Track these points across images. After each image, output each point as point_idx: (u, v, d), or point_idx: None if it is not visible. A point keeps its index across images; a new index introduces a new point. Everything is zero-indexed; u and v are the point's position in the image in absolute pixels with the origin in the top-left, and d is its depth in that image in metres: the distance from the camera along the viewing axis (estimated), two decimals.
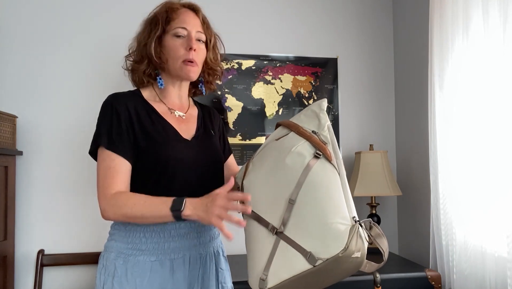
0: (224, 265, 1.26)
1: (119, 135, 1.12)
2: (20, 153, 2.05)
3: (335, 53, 2.46)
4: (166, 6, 1.22)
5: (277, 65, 2.39)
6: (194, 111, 1.32)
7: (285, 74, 2.39)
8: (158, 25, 1.19)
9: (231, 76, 2.33)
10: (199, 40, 1.21)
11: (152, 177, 1.12)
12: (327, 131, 1.07)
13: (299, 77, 2.41)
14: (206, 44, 1.24)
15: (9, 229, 1.97)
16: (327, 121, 1.09)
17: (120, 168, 1.10)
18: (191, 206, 1.01)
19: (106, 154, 1.11)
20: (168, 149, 1.14)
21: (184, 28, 1.18)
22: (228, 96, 2.32)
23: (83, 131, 2.13)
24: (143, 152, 1.12)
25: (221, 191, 0.99)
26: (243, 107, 2.33)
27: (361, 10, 2.51)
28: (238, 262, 1.88)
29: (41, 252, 2.05)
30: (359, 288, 1.72)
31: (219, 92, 2.31)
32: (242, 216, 1.08)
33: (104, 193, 1.08)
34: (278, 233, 0.99)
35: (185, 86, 1.28)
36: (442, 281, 1.78)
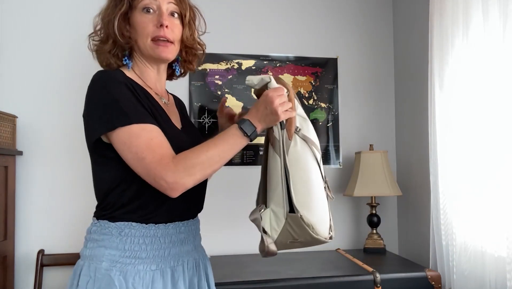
0: (209, 269, 1.20)
1: (142, 108, 0.99)
2: (20, 153, 2.05)
3: (335, 53, 2.46)
4: None
5: (277, 65, 2.39)
6: (172, 99, 1.24)
7: (285, 74, 2.39)
8: (123, 0, 1.06)
9: (231, 76, 2.33)
10: (172, 15, 1.08)
11: None
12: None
13: (299, 77, 2.40)
14: (182, 19, 1.11)
15: (9, 229, 1.97)
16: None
17: (161, 136, 0.98)
18: (258, 123, 1.01)
19: (136, 130, 0.95)
20: (172, 139, 1.03)
21: None
22: (228, 96, 2.32)
23: (83, 131, 2.13)
24: None
25: (269, 94, 1.00)
26: (243, 107, 2.33)
27: (361, 10, 2.50)
28: (233, 262, 1.87)
29: (41, 252, 2.05)
30: (359, 288, 1.72)
31: (219, 92, 2.31)
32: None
33: (165, 166, 0.92)
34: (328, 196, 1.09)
35: (164, 68, 1.15)
36: (442, 281, 1.78)
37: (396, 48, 2.50)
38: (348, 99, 2.46)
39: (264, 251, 1.01)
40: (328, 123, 2.42)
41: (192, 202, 1.13)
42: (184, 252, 1.09)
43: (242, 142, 1.00)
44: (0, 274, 1.90)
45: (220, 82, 2.31)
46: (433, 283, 1.78)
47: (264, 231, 1.01)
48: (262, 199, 1.08)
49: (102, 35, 1.10)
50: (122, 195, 1.02)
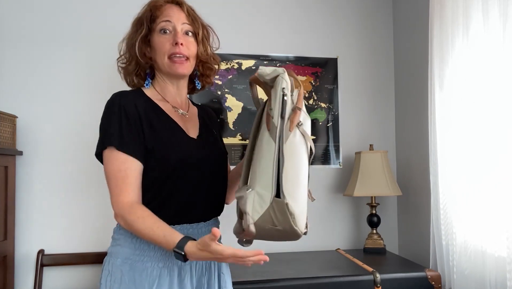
0: (225, 270, 1.26)
1: (130, 135, 1.09)
2: (20, 153, 2.04)
3: (335, 53, 2.46)
4: (150, 5, 1.21)
5: (277, 65, 2.38)
6: (194, 110, 1.32)
7: None
8: (143, 25, 1.18)
9: (231, 76, 2.33)
10: (187, 34, 1.19)
11: (161, 176, 1.11)
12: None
13: (299, 77, 2.40)
14: (196, 37, 1.22)
15: (9, 229, 1.97)
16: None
17: (131, 171, 1.08)
18: (193, 259, 0.99)
19: (115, 155, 1.08)
20: (177, 147, 1.13)
21: (169, 21, 1.17)
22: (228, 96, 2.32)
23: (83, 131, 2.13)
24: (152, 152, 1.11)
25: (225, 255, 0.95)
26: (243, 107, 2.33)
27: (361, 10, 2.51)
28: (232, 263, 1.88)
29: (41, 252, 2.05)
30: (359, 288, 1.72)
31: (219, 92, 2.31)
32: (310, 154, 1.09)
33: (118, 201, 1.06)
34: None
35: (183, 84, 1.26)
36: (442, 281, 1.78)
37: (396, 48, 2.50)
38: (348, 99, 2.46)
39: (240, 233, 1.04)
40: (328, 123, 2.42)
41: (199, 207, 1.17)
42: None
43: (168, 248, 1.01)
44: (0, 274, 1.90)
45: (220, 82, 2.31)
46: (433, 283, 1.78)
47: (241, 216, 1.03)
48: (244, 180, 1.10)
49: (126, 58, 1.24)
50: None
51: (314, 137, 2.39)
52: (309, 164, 1.09)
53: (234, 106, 2.32)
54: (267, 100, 1.14)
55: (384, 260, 2.03)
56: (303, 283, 1.68)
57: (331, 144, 2.41)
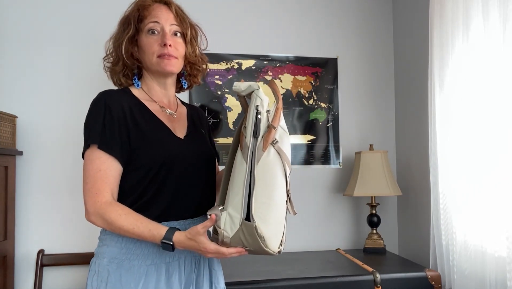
0: (217, 266, 1.26)
1: (112, 135, 1.08)
2: (20, 153, 2.05)
3: (335, 53, 2.46)
4: (138, 4, 1.19)
5: (277, 65, 2.39)
6: (183, 110, 1.31)
7: (285, 74, 2.39)
8: (130, 25, 1.17)
9: (231, 76, 2.33)
10: (175, 35, 1.18)
11: (147, 176, 1.10)
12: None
13: (299, 77, 2.41)
14: (184, 38, 1.21)
15: (9, 229, 1.97)
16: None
17: (111, 172, 1.07)
18: (179, 247, 1.05)
19: (96, 154, 1.07)
20: (163, 147, 1.12)
21: (157, 22, 1.15)
22: (228, 96, 2.32)
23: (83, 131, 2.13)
24: (138, 151, 1.10)
25: (207, 248, 1.02)
26: (243, 107, 2.33)
27: (361, 10, 2.51)
28: (233, 262, 1.88)
29: (41, 252, 2.05)
30: (359, 288, 1.72)
31: (219, 92, 2.31)
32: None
33: (94, 200, 1.06)
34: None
35: (171, 83, 1.25)
36: (442, 281, 1.78)
37: (396, 49, 2.50)
38: (348, 99, 2.46)
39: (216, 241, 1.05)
40: (328, 123, 2.42)
41: (186, 206, 1.17)
42: (180, 250, 1.12)
43: (154, 241, 1.05)
44: (0, 274, 1.90)
45: (220, 82, 2.31)
46: (433, 283, 1.78)
47: (216, 231, 1.03)
48: (221, 199, 1.09)
49: (113, 57, 1.21)
50: (123, 200, 1.11)
51: (314, 137, 2.39)
52: (287, 180, 1.06)
53: (234, 106, 2.32)
54: (244, 117, 1.11)
55: (384, 260, 2.03)
56: (303, 283, 1.68)
57: (331, 144, 2.42)
